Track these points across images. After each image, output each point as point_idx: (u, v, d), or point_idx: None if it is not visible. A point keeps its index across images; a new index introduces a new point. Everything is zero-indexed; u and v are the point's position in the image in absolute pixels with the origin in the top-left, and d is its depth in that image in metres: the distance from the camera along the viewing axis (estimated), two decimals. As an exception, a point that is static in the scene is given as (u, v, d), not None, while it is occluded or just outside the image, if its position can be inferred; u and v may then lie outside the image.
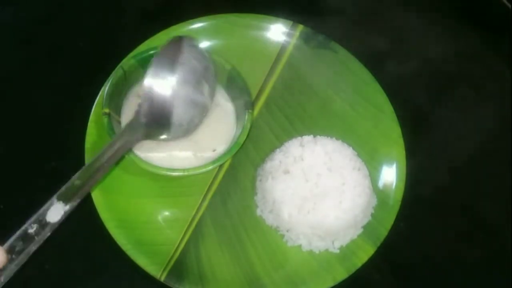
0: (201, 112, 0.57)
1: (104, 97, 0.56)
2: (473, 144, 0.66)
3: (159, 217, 0.57)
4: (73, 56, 0.66)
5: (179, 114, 0.54)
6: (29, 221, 0.44)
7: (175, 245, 0.55)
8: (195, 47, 0.56)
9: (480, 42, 0.72)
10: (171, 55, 0.53)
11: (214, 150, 0.58)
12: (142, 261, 0.53)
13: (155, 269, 0.53)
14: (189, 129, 0.56)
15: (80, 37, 0.68)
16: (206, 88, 0.56)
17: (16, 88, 0.64)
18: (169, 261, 0.54)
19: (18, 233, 0.43)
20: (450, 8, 0.74)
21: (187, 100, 0.54)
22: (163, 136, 0.55)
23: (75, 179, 0.47)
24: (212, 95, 0.58)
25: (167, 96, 0.53)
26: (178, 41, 0.54)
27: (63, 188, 0.46)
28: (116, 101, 0.58)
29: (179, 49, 0.54)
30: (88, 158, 0.57)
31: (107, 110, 0.56)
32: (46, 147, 0.61)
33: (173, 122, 0.54)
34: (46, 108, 0.63)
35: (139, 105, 0.53)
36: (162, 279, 0.53)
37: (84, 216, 0.55)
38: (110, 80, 0.57)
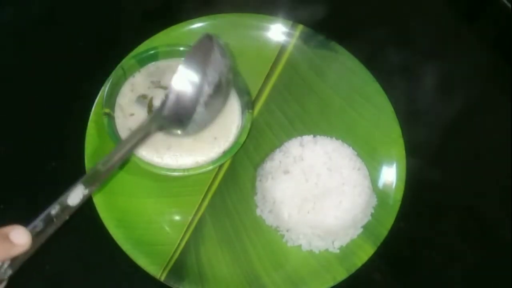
0: (218, 111, 0.57)
1: (104, 97, 0.56)
2: (473, 144, 0.66)
3: (159, 217, 0.57)
4: (73, 56, 0.66)
5: (200, 112, 0.53)
6: (54, 204, 0.44)
7: (175, 245, 0.55)
8: (221, 46, 0.55)
9: (481, 42, 0.72)
10: (202, 53, 0.53)
11: (215, 138, 0.58)
12: (142, 261, 0.53)
13: (155, 269, 0.53)
14: (202, 127, 0.56)
15: (80, 36, 0.68)
16: (225, 88, 0.56)
17: (16, 88, 0.64)
18: (169, 261, 0.54)
19: (42, 215, 0.44)
20: (450, 9, 0.74)
21: (210, 99, 0.54)
22: (177, 131, 0.55)
23: (99, 164, 0.48)
24: (228, 95, 0.57)
25: (194, 94, 0.53)
26: (209, 39, 0.53)
27: (88, 173, 0.47)
28: (116, 101, 0.58)
29: (211, 47, 0.53)
30: (88, 158, 0.57)
31: (107, 110, 0.56)
32: (46, 147, 0.61)
33: (193, 119, 0.53)
34: (46, 108, 0.63)
35: (165, 96, 0.53)
36: (162, 279, 0.53)
37: (84, 216, 0.55)
38: (110, 80, 0.57)
